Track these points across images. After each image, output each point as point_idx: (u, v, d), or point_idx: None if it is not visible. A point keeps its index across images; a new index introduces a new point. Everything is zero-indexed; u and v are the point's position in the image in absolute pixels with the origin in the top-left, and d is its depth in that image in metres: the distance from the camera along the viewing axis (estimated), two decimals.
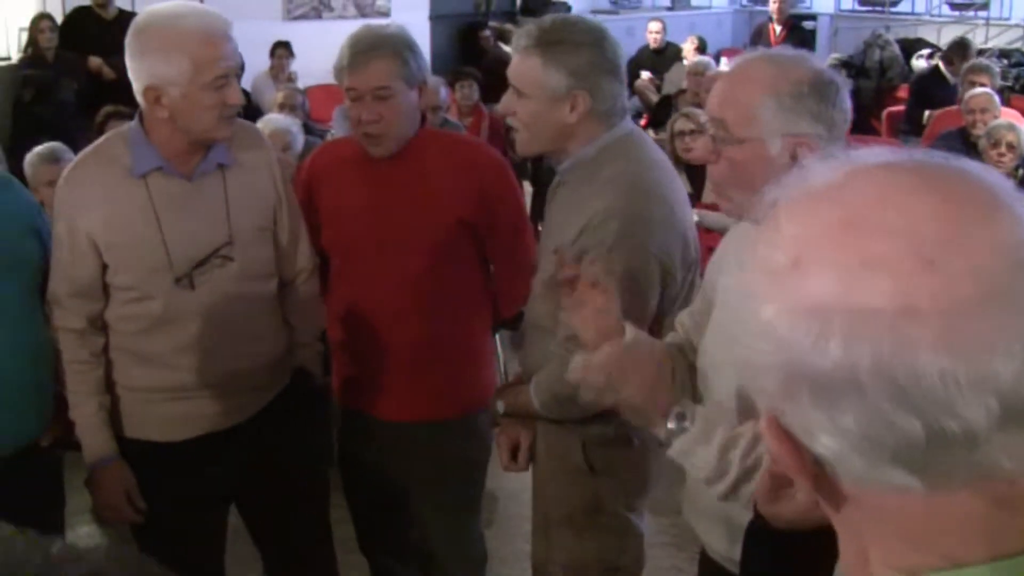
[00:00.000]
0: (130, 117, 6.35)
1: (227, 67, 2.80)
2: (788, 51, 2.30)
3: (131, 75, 2.82)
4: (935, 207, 0.84)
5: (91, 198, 2.86)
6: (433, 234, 3.17)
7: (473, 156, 3.31)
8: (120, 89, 8.37)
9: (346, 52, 3.08)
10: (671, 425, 2.18)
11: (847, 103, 2.20)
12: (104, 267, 2.89)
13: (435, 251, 3.18)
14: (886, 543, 0.90)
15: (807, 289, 0.84)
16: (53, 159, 5.28)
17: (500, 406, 3.05)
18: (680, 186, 2.89)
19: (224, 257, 2.92)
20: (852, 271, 0.83)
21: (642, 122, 9.57)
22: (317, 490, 3.33)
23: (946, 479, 0.83)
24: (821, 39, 13.43)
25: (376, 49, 3.05)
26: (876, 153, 0.92)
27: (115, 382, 2.99)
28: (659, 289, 2.72)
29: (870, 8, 15.08)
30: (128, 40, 2.81)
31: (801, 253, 0.86)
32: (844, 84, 2.22)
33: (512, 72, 2.81)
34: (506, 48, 12.11)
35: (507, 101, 2.84)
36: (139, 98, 2.83)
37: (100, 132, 6.47)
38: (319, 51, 10.78)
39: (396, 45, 3.08)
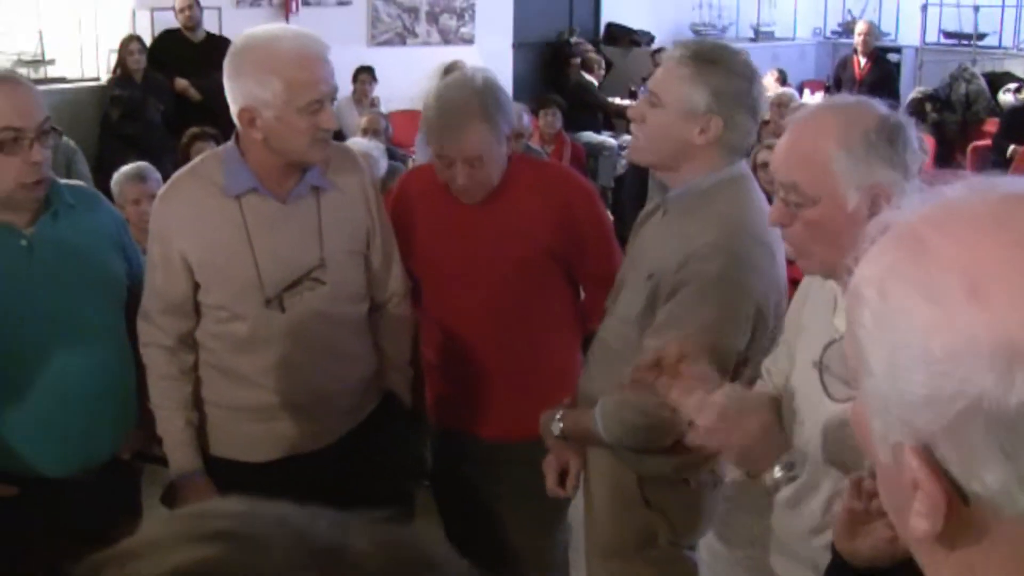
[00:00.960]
0: (215, 138, 6.51)
1: (322, 92, 2.80)
2: (848, 98, 2.26)
3: (228, 96, 2.84)
4: None
5: (185, 217, 2.89)
6: (523, 263, 3.16)
7: (563, 184, 3.29)
8: (206, 110, 8.59)
9: (434, 119, 3.06)
10: (778, 474, 2.15)
11: (915, 144, 2.15)
12: (196, 286, 2.91)
13: (525, 279, 3.17)
14: (1009, 572, 0.88)
15: (990, 322, 0.81)
16: (140, 178, 5.37)
17: (557, 428, 2.99)
18: (779, 235, 2.85)
19: (315, 280, 2.93)
20: None
21: None
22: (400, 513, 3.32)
23: None
24: (905, 72, 13.28)
25: (467, 120, 3.01)
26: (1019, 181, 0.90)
27: (203, 399, 3.01)
28: (749, 333, 2.67)
29: (955, 41, 14.91)
30: (226, 61, 2.83)
31: (978, 282, 0.83)
32: (910, 124, 2.17)
33: (655, 80, 2.77)
34: (588, 77, 12.12)
35: (639, 107, 2.81)
36: (235, 119, 2.84)
37: (186, 152, 6.60)
38: (402, 77, 10.95)
39: (485, 106, 3.03)
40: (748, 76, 2.71)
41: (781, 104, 8.75)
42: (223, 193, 2.87)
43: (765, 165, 6.38)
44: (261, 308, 2.88)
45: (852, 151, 2.07)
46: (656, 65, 13.21)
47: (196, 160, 3.04)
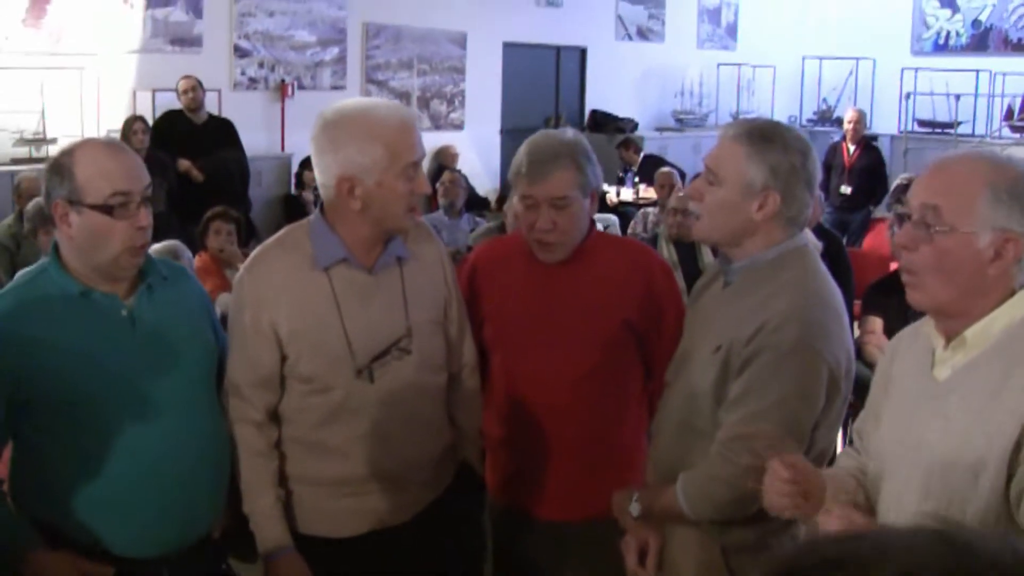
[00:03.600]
0: (236, 220, 6.51)
1: (419, 155, 2.86)
2: (995, 151, 2.31)
3: (318, 170, 2.86)
4: None
5: (276, 288, 2.88)
6: (600, 337, 3.16)
7: (642, 260, 3.30)
8: (208, 190, 8.58)
9: (524, 160, 3.08)
10: None
11: None
12: (283, 358, 2.90)
13: (601, 354, 3.17)
14: None
15: None
16: (173, 256, 5.41)
17: (636, 509, 2.97)
18: (843, 301, 2.87)
19: (402, 350, 2.93)
20: None
21: None
22: None
23: None
24: (886, 158, 13.56)
25: (556, 160, 3.05)
26: None
27: (287, 475, 2.97)
28: (824, 399, 2.69)
29: (930, 129, 15.24)
30: (318, 136, 2.84)
31: None
32: None
33: (712, 158, 2.79)
34: None
35: (697, 185, 2.83)
36: (327, 191, 2.86)
37: (204, 232, 6.62)
38: None
39: (575, 154, 3.08)
40: (802, 150, 2.74)
41: None
42: (312, 264, 2.88)
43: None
44: (351, 379, 2.88)
45: (998, 194, 2.12)
46: (622, 156, 13.35)
47: (281, 232, 3.03)
